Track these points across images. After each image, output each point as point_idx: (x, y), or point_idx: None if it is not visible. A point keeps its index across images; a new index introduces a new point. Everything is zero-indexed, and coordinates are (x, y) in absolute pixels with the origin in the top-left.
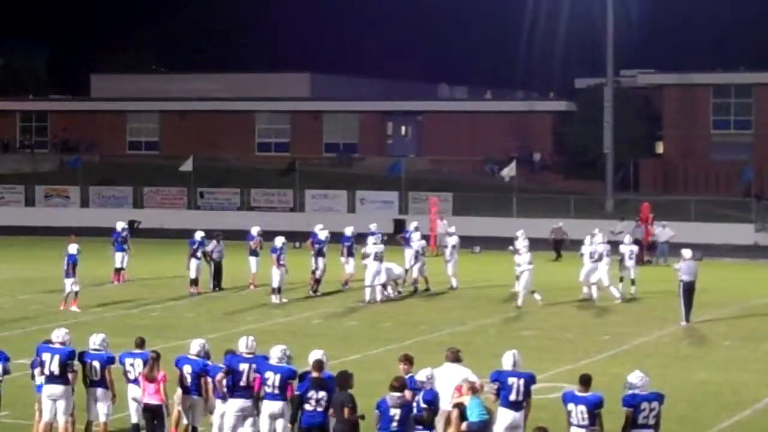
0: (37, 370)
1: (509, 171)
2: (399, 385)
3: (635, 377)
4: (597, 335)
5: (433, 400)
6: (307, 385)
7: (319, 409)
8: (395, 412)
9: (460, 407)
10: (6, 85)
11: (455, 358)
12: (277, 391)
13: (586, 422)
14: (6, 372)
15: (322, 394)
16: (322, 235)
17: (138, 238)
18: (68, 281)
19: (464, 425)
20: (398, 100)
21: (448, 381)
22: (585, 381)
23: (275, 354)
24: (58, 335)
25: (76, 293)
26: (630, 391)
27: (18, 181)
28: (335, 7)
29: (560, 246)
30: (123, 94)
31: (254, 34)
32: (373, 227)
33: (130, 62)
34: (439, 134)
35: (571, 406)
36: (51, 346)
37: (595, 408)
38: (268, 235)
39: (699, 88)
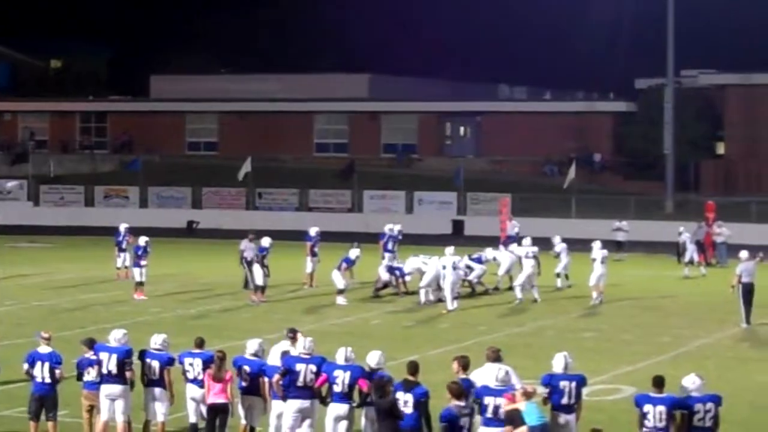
0: (90, 369)
1: (568, 178)
2: (459, 390)
3: (689, 380)
4: (656, 337)
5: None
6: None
7: (408, 411)
8: (464, 422)
9: (515, 414)
10: (67, 86)
11: (496, 357)
12: (346, 390)
13: (663, 423)
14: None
15: (409, 396)
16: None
17: (196, 238)
18: (136, 271)
19: (524, 429)
20: (457, 100)
21: (490, 381)
22: (659, 383)
23: (341, 356)
24: (116, 337)
25: (141, 283)
26: (685, 394)
27: (77, 181)
28: (394, 8)
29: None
30: (182, 95)
31: (313, 35)
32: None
33: (189, 63)
34: (498, 135)
35: (648, 407)
36: (108, 345)
37: (673, 408)
38: (326, 236)
39: (761, 88)
